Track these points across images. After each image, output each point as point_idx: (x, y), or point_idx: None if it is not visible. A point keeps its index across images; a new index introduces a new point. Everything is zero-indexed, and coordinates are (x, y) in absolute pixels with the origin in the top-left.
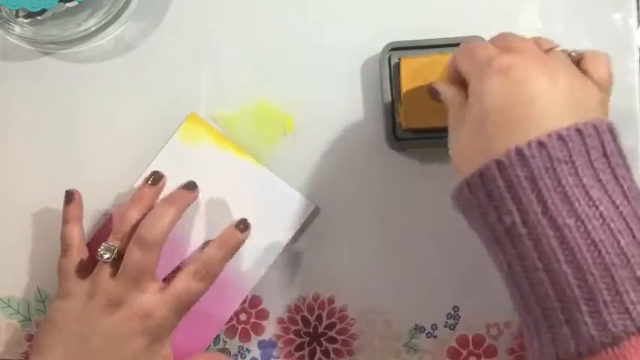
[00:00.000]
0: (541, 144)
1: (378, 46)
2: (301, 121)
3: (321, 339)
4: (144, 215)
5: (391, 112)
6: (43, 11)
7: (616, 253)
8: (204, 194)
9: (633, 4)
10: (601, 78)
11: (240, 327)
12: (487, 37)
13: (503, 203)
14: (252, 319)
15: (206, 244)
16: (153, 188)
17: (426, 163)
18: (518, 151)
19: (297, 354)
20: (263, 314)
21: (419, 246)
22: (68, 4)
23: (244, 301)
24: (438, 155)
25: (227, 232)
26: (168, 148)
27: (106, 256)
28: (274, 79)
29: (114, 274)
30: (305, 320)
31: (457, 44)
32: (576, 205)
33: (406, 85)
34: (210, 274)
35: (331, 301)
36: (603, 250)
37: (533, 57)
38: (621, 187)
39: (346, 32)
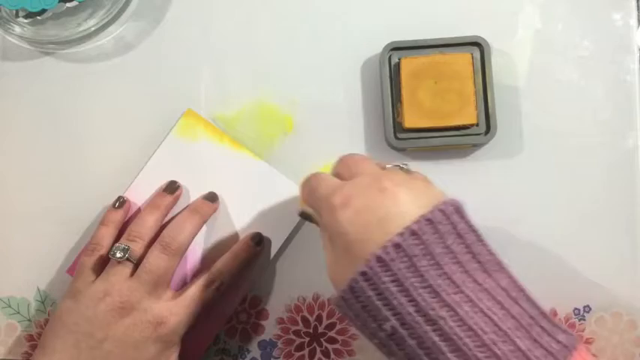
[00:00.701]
0: (397, 245)
1: (378, 46)
2: (301, 121)
3: (321, 339)
4: (158, 221)
5: (391, 112)
6: (43, 11)
7: (493, 330)
8: (203, 189)
9: (633, 4)
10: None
11: (240, 327)
12: (487, 37)
13: (379, 312)
14: (252, 319)
15: (215, 248)
16: (169, 197)
17: (426, 163)
18: (378, 259)
19: (297, 354)
20: (263, 314)
21: None
22: (68, 4)
23: (244, 301)
24: (438, 155)
25: (242, 244)
26: (166, 144)
27: (119, 255)
28: (274, 79)
29: (127, 275)
30: (305, 320)
31: (457, 44)
32: (444, 295)
33: (406, 85)
34: (222, 285)
35: (331, 301)
36: (480, 332)
37: (368, 178)
38: (480, 263)
39: (346, 32)
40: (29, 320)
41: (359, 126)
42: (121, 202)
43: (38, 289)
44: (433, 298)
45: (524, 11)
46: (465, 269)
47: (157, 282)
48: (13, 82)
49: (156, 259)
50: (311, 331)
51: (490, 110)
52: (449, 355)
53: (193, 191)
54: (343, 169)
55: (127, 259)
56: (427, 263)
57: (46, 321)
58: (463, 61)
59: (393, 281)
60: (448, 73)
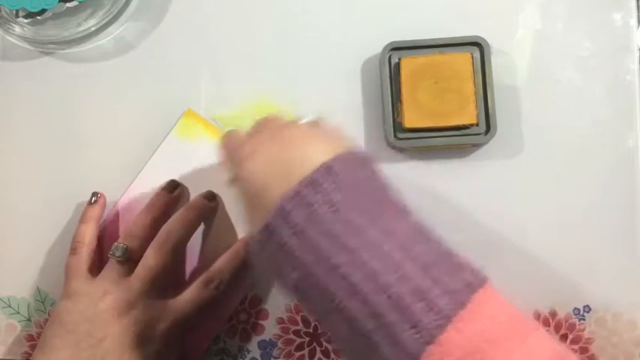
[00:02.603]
0: (296, 194)
1: (378, 46)
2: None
3: (321, 339)
4: (156, 220)
5: (391, 112)
6: (43, 11)
7: (390, 271)
8: (203, 189)
9: (633, 4)
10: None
11: (240, 327)
12: (487, 37)
13: (284, 264)
14: (252, 319)
15: (215, 247)
16: (168, 196)
17: (426, 163)
18: (278, 210)
19: (297, 354)
20: (263, 314)
21: None
22: (68, 4)
23: (244, 301)
24: (438, 155)
25: (241, 243)
26: (166, 144)
27: (119, 254)
28: (274, 79)
29: (125, 274)
30: (305, 320)
31: (457, 44)
32: (343, 240)
33: (406, 85)
34: (222, 284)
35: None
36: (377, 274)
37: (272, 130)
38: (382, 209)
39: (346, 32)
40: (29, 320)
41: (359, 126)
42: (96, 198)
43: (38, 289)
44: (332, 244)
45: (524, 11)
46: (365, 215)
47: (155, 280)
48: (13, 82)
49: (153, 258)
50: (311, 331)
51: (490, 110)
52: (348, 299)
53: (193, 191)
54: (254, 127)
55: (127, 259)
56: (327, 210)
57: (46, 321)
58: (463, 61)
59: (293, 232)
60: (448, 73)
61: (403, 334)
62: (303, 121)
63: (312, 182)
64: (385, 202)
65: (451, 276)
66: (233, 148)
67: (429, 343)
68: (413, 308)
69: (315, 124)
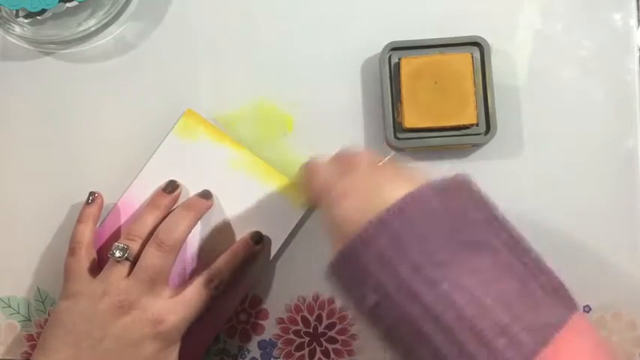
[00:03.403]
0: (381, 221)
1: (378, 46)
2: (301, 121)
3: (321, 339)
4: (156, 221)
5: (391, 112)
6: (43, 11)
7: (471, 306)
8: (203, 188)
9: (633, 4)
10: None
11: (240, 327)
12: (487, 37)
13: (362, 286)
14: (252, 319)
15: (214, 247)
16: (168, 196)
17: (426, 163)
18: (361, 235)
19: (297, 354)
20: (263, 314)
21: None
22: (68, 4)
23: (244, 301)
24: (438, 155)
25: (241, 242)
26: (167, 144)
27: (118, 254)
28: (274, 79)
29: (125, 274)
30: (305, 320)
31: (457, 44)
32: (425, 271)
33: (406, 85)
34: (222, 284)
35: (331, 301)
36: (458, 306)
37: (363, 172)
38: (467, 241)
39: (346, 32)
40: (29, 320)
41: (359, 126)
42: (93, 198)
43: (38, 289)
44: (414, 274)
45: (524, 11)
46: (449, 248)
47: (155, 280)
48: (13, 82)
49: (151, 257)
50: (311, 331)
51: (490, 110)
52: (428, 326)
53: (193, 191)
54: (339, 163)
55: (126, 259)
56: (411, 239)
57: (46, 321)
58: (463, 61)
59: (375, 257)
60: (448, 73)
61: None
62: (384, 160)
63: (400, 210)
64: (470, 233)
65: (535, 312)
66: (320, 187)
67: None
68: (495, 342)
69: (402, 166)
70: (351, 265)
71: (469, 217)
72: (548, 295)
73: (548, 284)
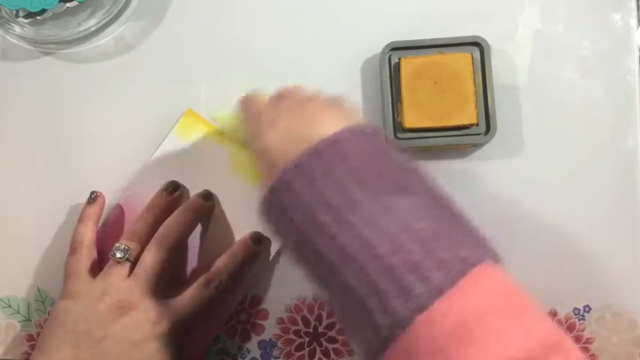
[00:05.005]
0: (298, 165)
1: (378, 46)
2: None
3: (321, 339)
4: (157, 221)
5: (391, 112)
6: (43, 11)
7: (386, 243)
8: (203, 188)
9: (633, 4)
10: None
11: (240, 327)
12: (487, 37)
13: (284, 227)
14: (252, 319)
15: (214, 247)
16: (168, 197)
17: (426, 163)
18: (281, 177)
19: (297, 354)
20: (263, 314)
21: None
22: (68, 4)
23: (244, 301)
24: (438, 155)
25: (241, 243)
26: (166, 144)
27: (119, 255)
28: (274, 79)
29: (125, 275)
30: (305, 320)
31: (457, 44)
32: (343, 212)
33: (406, 85)
34: (222, 284)
35: None
36: (374, 245)
37: (293, 101)
38: (387, 183)
39: (346, 32)
40: (29, 320)
41: None
42: (94, 197)
43: (38, 289)
44: (331, 215)
45: (524, 11)
46: (368, 189)
47: (154, 280)
48: (13, 82)
49: (151, 258)
50: (311, 331)
51: (490, 110)
52: (344, 266)
53: (193, 191)
54: (275, 96)
55: (127, 259)
56: (328, 182)
57: (46, 321)
58: (463, 61)
59: (293, 199)
60: (448, 73)
61: (394, 301)
62: (323, 96)
63: (316, 153)
64: (391, 177)
65: (449, 251)
66: (254, 113)
67: (418, 313)
68: (405, 278)
69: (335, 100)
70: (275, 204)
71: (395, 163)
72: (466, 238)
73: (467, 229)
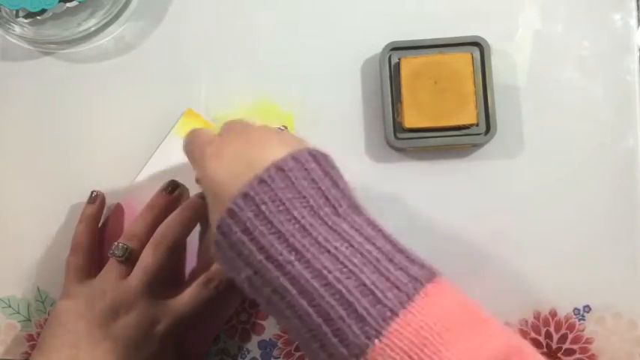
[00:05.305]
0: (244, 195)
1: (378, 46)
2: (301, 121)
3: None
4: (157, 220)
5: (391, 112)
6: (43, 11)
7: (338, 269)
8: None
9: (633, 4)
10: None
11: (240, 327)
12: (487, 37)
13: (235, 262)
14: (252, 319)
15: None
16: (168, 196)
17: (426, 163)
18: (228, 211)
19: (297, 354)
20: (263, 314)
21: (418, 245)
22: (68, 4)
23: (244, 301)
24: (438, 155)
25: None
26: (166, 144)
27: (118, 254)
28: (274, 79)
29: (125, 274)
30: None
31: (457, 44)
32: (291, 239)
33: (406, 85)
34: (221, 284)
35: None
36: (325, 272)
37: (237, 130)
38: (333, 207)
39: (346, 32)
40: (29, 320)
41: (359, 126)
42: (94, 197)
43: (38, 289)
44: (281, 243)
45: (524, 11)
46: (315, 213)
47: (153, 280)
48: (13, 82)
49: (150, 257)
50: None
51: (490, 110)
52: (298, 298)
53: (193, 191)
54: (221, 128)
55: (126, 259)
56: (275, 209)
57: (46, 321)
58: (463, 61)
59: (243, 231)
60: (448, 73)
61: (350, 329)
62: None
63: (261, 181)
64: (335, 200)
65: (399, 271)
66: (199, 146)
67: (375, 337)
68: (360, 303)
69: (281, 129)
70: (222, 243)
71: (341, 185)
72: (412, 260)
73: (408, 250)
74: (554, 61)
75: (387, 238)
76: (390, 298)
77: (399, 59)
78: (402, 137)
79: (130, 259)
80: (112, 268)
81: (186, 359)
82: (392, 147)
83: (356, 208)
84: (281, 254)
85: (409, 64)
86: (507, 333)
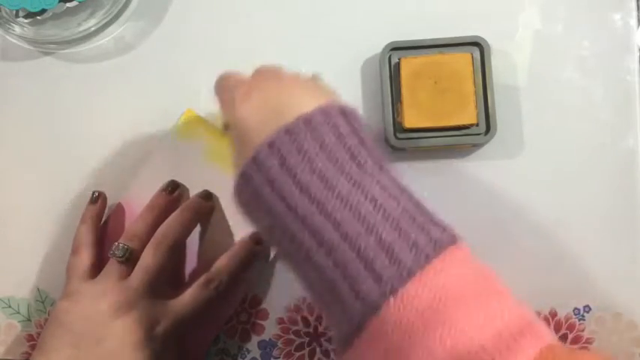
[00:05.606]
0: (271, 144)
1: (378, 46)
2: None
3: (321, 339)
4: (157, 221)
5: (391, 112)
6: (43, 11)
7: (359, 223)
8: (203, 188)
9: (633, 4)
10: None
11: (240, 327)
12: (487, 37)
13: (257, 209)
14: (252, 319)
15: (214, 247)
16: (168, 196)
17: (426, 163)
18: (254, 159)
19: (297, 354)
20: (263, 314)
21: None
22: (68, 4)
23: (244, 301)
24: (438, 155)
25: (241, 243)
26: (166, 144)
27: (118, 254)
28: None
29: (125, 275)
30: (305, 320)
31: (457, 44)
32: (313, 190)
33: (406, 85)
34: (221, 284)
35: None
36: (346, 225)
37: (269, 74)
38: (358, 163)
39: (346, 32)
40: (29, 320)
41: None
42: (96, 197)
43: (38, 289)
44: (303, 194)
45: (524, 11)
46: (340, 167)
47: (154, 281)
48: (13, 82)
49: (150, 257)
50: (311, 331)
51: (490, 110)
52: (316, 249)
53: (193, 191)
54: (253, 73)
55: (127, 259)
56: (300, 161)
57: (46, 321)
58: (463, 61)
59: (266, 179)
60: (448, 73)
61: (366, 284)
62: (304, 75)
63: (288, 131)
64: (361, 156)
65: (420, 232)
66: (229, 88)
67: (389, 295)
68: (378, 259)
69: (313, 78)
70: (247, 187)
71: (367, 142)
72: (434, 222)
73: (431, 213)
74: (554, 61)
75: (411, 198)
76: (409, 257)
77: (399, 59)
78: (402, 137)
79: (130, 260)
80: (112, 269)
81: (186, 359)
82: (392, 147)
83: (381, 166)
84: (302, 205)
85: (409, 64)
86: (522, 307)
